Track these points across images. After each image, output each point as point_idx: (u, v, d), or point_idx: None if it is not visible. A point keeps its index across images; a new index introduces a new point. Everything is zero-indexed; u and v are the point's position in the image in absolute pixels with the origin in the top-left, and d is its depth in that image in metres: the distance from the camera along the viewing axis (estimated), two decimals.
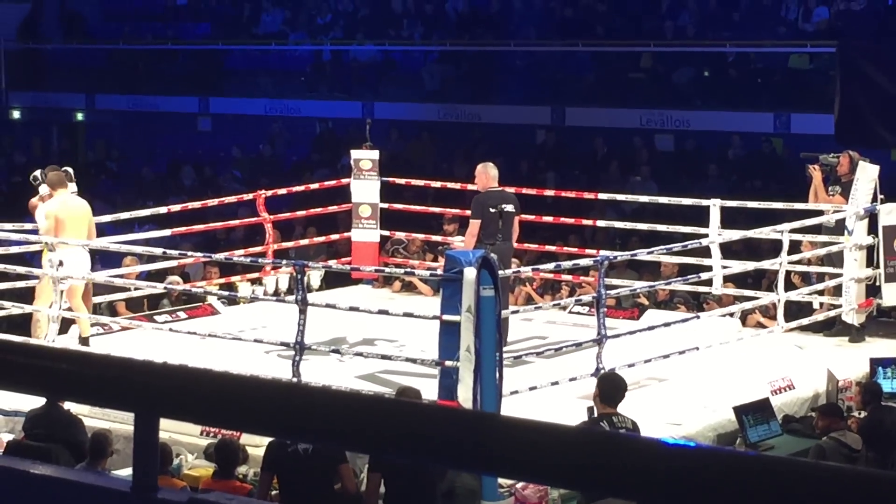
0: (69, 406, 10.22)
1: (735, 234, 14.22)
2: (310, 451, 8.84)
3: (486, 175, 13.38)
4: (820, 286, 14.11)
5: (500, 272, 10.77)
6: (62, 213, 12.79)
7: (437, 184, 16.88)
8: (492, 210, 13.07)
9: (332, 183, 16.91)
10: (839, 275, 13.77)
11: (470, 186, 16.47)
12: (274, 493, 9.17)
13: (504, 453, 2.33)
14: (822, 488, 2.02)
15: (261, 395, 2.36)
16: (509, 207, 13.20)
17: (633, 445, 2.24)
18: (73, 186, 13.30)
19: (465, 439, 2.33)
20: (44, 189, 13.26)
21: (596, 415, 9.26)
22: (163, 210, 15.70)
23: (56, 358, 2.49)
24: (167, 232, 15.04)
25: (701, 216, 14.60)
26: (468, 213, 16.19)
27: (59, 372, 2.47)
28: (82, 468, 9.18)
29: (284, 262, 13.38)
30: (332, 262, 15.25)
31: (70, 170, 13.64)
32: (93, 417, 10.34)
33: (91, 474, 3.21)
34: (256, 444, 9.80)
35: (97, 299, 14.39)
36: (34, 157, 29.68)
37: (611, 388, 9.30)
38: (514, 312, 12.61)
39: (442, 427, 2.36)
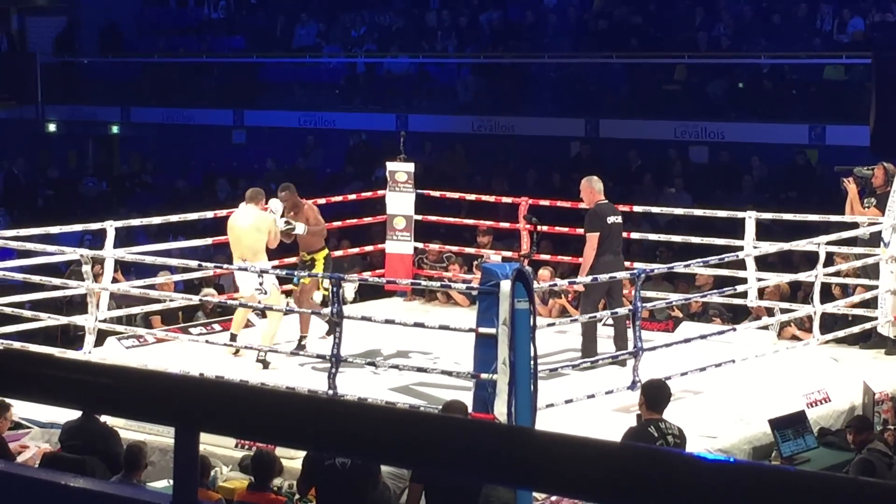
0: (105, 418, 10.26)
1: (771, 247, 14.16)
2: (347, 464, 8.86)
3: (592, 189, 13.21)
4: (856, 298, 14.05)
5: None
6: (229, 226, 13.23)
7: (472, 196, 16.89)
8: (609, 221, 12.98)
9: (368, 194, 16.94)
10: (875, 287, 13.71)
11: (505, 199, 16.53)
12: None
13: (539, 468, 2.34)
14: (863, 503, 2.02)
15: (301, 410, 2.37)
16: (620, 219, 13.16)
17: (671, 461, 2.24)
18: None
19: (500, 454, 2.34)
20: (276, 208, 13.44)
21: (643, 421, 9.29)
22: (193, 216, 15.65)
23: (96, 372, 2.51)
24: (201, 242, 15.10)
25: (735, 228, 14.55)
26: (502, 225, 16.24)
27: (99, 386, 2.49)
28: (118, 480, 9.22)
29: (320, 274, 13.39)
30: (367, 275, 15.28)
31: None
32: (128, 430, 10.38)
33: (130, 488, 3.23)
34: (291, 457, 9.82)
35: (134, 310, 14.47)
36: (70, 170, 29.88)
37: (656, 394, 9.36)
38: (549, 325, 12.58)
39: (477, 441, 2.36)
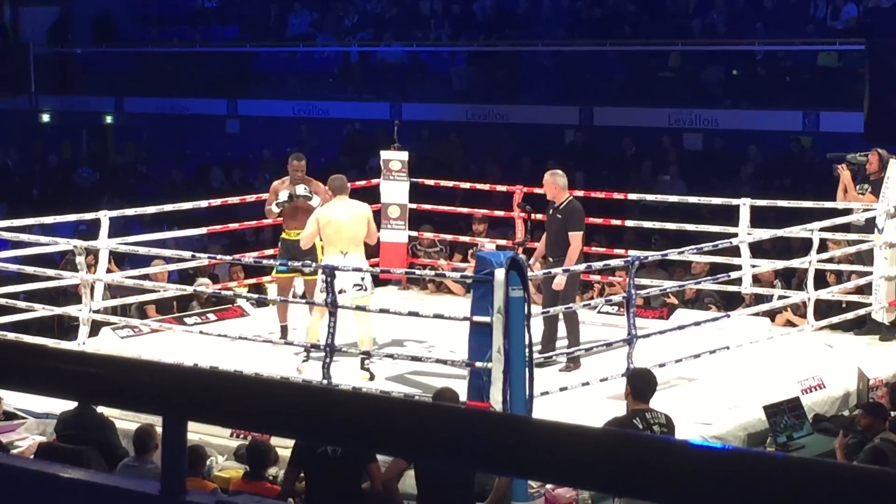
0: (101, 408, 10.24)
1: (765, 234, 14.16)
2: (338, 452, 8.84)
3: (557, 185, 12.79)
4: (850, 284, 14.06)
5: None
6: (323, 218, 12.37)
7: (466, 185, 16.87)
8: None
9: (363, 183, 16.91)
10: (869, 273, 13.72)
11: (499, 187, 16.51)
12: (300, 484, 9.17)
13: (534, 456, 2.33)
14: (856, 490, 2.01)
15: (290, 399, 2.36)
16: None
17: (663, 447, 2.23)
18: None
19: (495, 442, 2.33)
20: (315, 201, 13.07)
21: (628, 411, 9.25)
22: (188, 205, 15.60)
23: (84, 362, 2.50)
24: (196, 231, 15.10)
25: (729, 215, 14.55)
26: (497, 213, 16.22)
27: (87, 375, 2.48)
28: (131, 461, 9.23)
29: (315, 264, 13.34)
30: None
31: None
32: (124, 419, 10.36)
33: (118, 478, 3.21)
34: (286, 446, 9.80)
35: (128, 300, 14.45)
36: (64, 161, 29.84)
37: (642, 383, 9.30)
38: (543, 313, 12.54)
39: (471, 430, 2.35)
